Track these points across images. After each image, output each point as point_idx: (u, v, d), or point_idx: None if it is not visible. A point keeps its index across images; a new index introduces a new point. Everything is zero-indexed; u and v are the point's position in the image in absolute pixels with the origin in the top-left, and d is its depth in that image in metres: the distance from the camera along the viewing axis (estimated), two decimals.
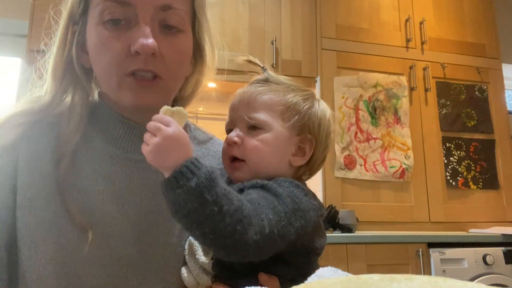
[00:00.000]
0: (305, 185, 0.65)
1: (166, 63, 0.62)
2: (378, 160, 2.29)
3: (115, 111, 0.67)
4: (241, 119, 0.65)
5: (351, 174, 2.24)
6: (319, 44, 2.34)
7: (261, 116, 0.64)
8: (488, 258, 1.92)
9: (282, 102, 0.65)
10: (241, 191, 0.59)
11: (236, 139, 0.64)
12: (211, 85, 2.06)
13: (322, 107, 0.69)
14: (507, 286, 1.84)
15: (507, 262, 1.95)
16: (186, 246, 0.67)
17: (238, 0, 2.28)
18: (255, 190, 0.58)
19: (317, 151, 0.68)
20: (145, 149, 0.52)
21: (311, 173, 0.70)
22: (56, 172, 0.61)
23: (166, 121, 0.52)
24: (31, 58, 1.91)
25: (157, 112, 0.61)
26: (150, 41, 0.58)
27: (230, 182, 0.67)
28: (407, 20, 2.49)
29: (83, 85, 0.66)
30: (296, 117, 0.65)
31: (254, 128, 0.64)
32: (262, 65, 0.72)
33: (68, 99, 0.66)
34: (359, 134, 2.31)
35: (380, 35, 2.45)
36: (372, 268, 1.84)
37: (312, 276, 0.51)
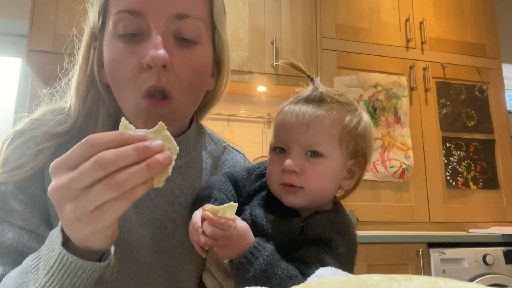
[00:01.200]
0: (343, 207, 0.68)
1: (178, 78, 0.59)
2: (378, 160, 2.29)
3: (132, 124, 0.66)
4: (300, 143, 0.63)
5: None
6: (319, 44, 2.35)
7: (323, 144, 0.62)
8: (488, 258, 1.92)
9: (340, 128, 0.63)
10: (302, 228, 0.61)
11: (296, 168, 0.61)
12: None
13: (368, 124, 0.67)
14: (507, 286, 1.84)
15: (507, 262, 1.95)
16: (209, 251, 0.66)
17: (238, 0, 2.28)
18: (316, 250, 0.58)
19: (364, 172, 0.68)
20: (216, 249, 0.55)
21: (349, 193, 0.70)
22: None
23: (227, 226, 0.53)
24: (31, 58, 1.91)
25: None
26: (161, 52, 0.55)
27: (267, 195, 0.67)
28: (407, 20, 2.49)
29: (105, 101, 0.65)
30: (353, 143, 0.64)
31: (313, 154, 0.62)
32: (308, 74, 0.68)
33: (91, 116, 0.65)
34: None
35: (380, 35, 2.45)
36: (372, 268, 1.84)
37: (312, 276, 0.51)
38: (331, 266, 0.56)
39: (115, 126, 0.66)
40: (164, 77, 0.57)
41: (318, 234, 0.60)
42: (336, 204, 0.68)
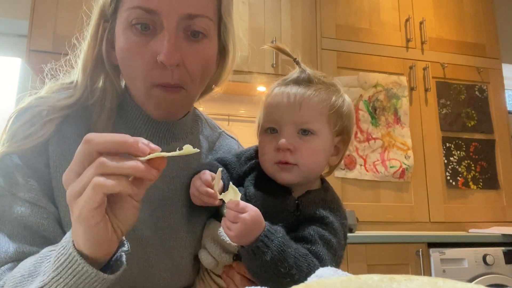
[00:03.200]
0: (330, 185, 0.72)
1: (189, 72, 0.63)
2: (378, 160, 2.29)
3: (136, 104, 0.70)
4: (292, 122, 0.66)
5: (351, 174, 2.24)
6: (319, 44, 2.35)
7: (315, 122, 0.66)
8: (488, 258, 1.92)
9: (329, 107, 0.67)
10: (297, 205, 0.64)
11: (290, 146, 0.65)
12: None
13: (350, 103, 0.72)
14: (507, 286, 1.84)
15: (507, 262, 1.95)
16: (205, 231, 0.70)
17: (238, 0, 2.28)
18: (315, 228, 0.61)
19: (347, 148, 0.72)
20: (229, 233, 0.56)
21: (334, 170, 0.75)
22: None
23: (242, 208, 0.56)
24: (31, 58, 1.91)
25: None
26: (175, 52, 0.59)
27: (258, 176, 0.69)
28: (407, 20, 2.49)
29: (112, 80, 0.68)
30: (340, 121, 0.69)
31: (305, 132, 0.66)
32: (294, 57, 0.72)
33: (97, 92, 0.68)
34: (359, 134, 2.31)
35: (380, 35, 2.45)
36: (372, 268, 1.84)
37: (312, 276, 0.51)
38: (331, 241, 0.60)
39: (121, 104, 0.70)
40: (176, 74, 0.61)
41: (313, 212, 0.63)
42: (324, 183, 0.73)
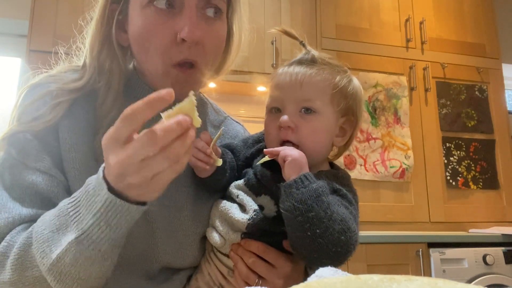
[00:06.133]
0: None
1: (206, 50, 0.65)
2: (378, 160, 2.29)
3: (146, 84, 0.71)
4: (294, 100, 0.67)
5: (351, 174, 2.22)
6: (319, 44, 2.34)
7: (316, 101, 0.66)
8: (488, 258, 1.92)
9: (332, 86, 0.67)
10: None
11: (291, 124, 0.65)
12: (211, 85, 2.06)
13: (358, 85, 0.72)
14: (507, 286, 1.84)
15: (507, 262, 1.95)
16: (213, 210, 0.71)
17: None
18: (334, 197, 0.62)
19: (355, 130, 0.72)
20: (290, 153, 0.61)
21: (342, 152, 0.75)
22: (94, 142, 0.65)
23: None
24: (31, 58, 1.91)
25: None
26: (197, 29, 0.61)
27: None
28: (407, 20, 2.49)
29: (119, 61, 0.69)
30: (344, 101, 0.68)
31: (307, 111, 0.66)
32: (301, 40, 0.73)
33: (105, 74, 0.69)
34: (359, 134, 2.31)
35: (380, 35, 2.45)
36: (372, 268, 1.84)
37: (312, 276, 0.51)
38: (349, 208, 0.61)
39: (128, 85, 0.71)
40: (194, 51, 0.64)
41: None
42: (334, 166, 0.74)
